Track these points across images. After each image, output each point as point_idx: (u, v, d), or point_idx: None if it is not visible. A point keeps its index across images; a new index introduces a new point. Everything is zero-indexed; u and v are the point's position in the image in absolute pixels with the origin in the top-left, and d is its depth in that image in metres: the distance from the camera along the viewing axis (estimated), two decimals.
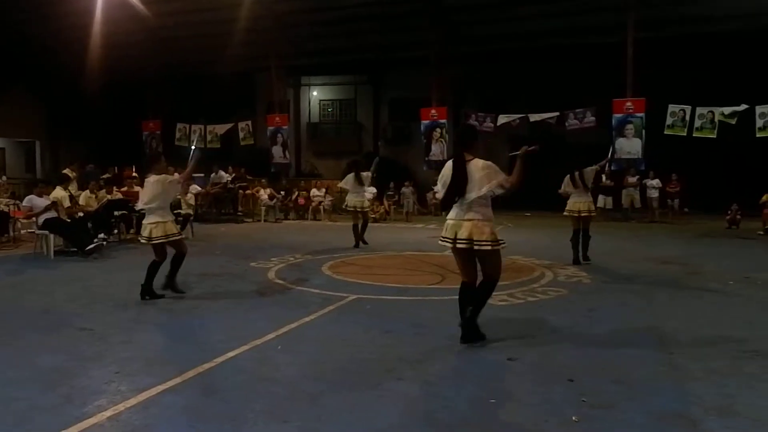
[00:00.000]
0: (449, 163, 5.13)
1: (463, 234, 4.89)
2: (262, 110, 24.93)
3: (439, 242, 5.18)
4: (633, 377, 4.30)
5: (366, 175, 11.60)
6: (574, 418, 3.59)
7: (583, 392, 3.98)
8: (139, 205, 7.06)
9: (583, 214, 9.39)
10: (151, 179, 6.78)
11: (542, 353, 4.88)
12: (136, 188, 12.13)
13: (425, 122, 20.03)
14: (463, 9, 19.42)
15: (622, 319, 6.06)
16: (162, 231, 6.67)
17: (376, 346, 5.07)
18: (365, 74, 25.95)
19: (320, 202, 18.86)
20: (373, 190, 18.61)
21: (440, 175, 5.24)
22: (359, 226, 11.60)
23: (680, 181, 17.69)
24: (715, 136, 16.58)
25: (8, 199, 13.87)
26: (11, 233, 12.01)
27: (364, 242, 11.64)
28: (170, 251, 6.89)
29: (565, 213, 9.63)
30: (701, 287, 7.74)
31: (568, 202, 9.54)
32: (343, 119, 27.74)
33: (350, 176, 11.64)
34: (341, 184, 12.24)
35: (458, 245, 4.94)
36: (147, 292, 6.74)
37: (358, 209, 11.56)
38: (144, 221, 6.86)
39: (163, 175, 6.88)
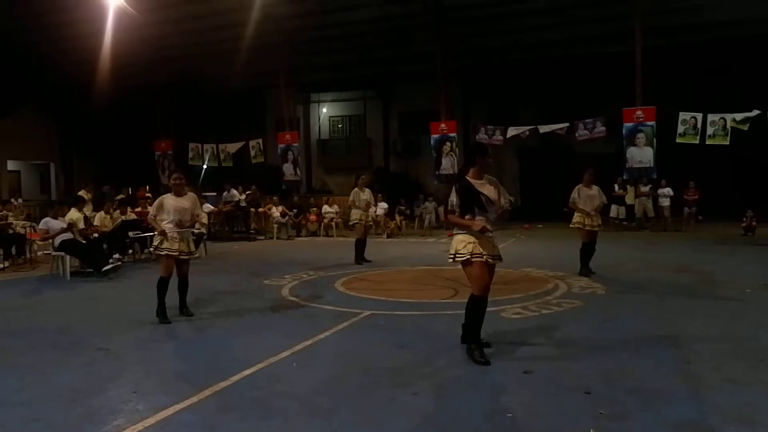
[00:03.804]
0: None
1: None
2: (271, 127, 25.15)
3: None
4: (650, 387, 4.27)
5: (357, 192, 11.64)
6: (591, 430, 3.57)
7: (600, 404, 3.96)
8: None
9: (586, 228, 9.42)
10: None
11: (558, 365, 4.86)
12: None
13: (435, 136, 20.07)
14: (469, 21, 19.50)
15: (637, 329, 6.02)
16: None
17: (390, 360, 5.07)
18: (374, 89, 26.12)
19: (332, 219, 18.92)
20: (385, 205, 18.71)
21: None
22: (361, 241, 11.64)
23: (698, 189, 17.51)
24: (728, 143, 16.47)
25: (24, 221, 14.04)
26: (28, 255, 12.15)
27: (363, 261, 11.54)
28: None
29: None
30: (717, 295, 7.67)
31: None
32: (353, 135, 27.92)
33: (352, 192, 11.76)
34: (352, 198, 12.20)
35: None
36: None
37: (355, 222, 11.69)
38: None
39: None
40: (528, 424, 3.74)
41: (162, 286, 6.76)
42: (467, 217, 4.99)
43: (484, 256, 4.95)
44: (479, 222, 4.94)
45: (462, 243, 5.02)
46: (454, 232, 5.16)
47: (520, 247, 13.63)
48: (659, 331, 5.94)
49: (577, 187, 9.46)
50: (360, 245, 11.60)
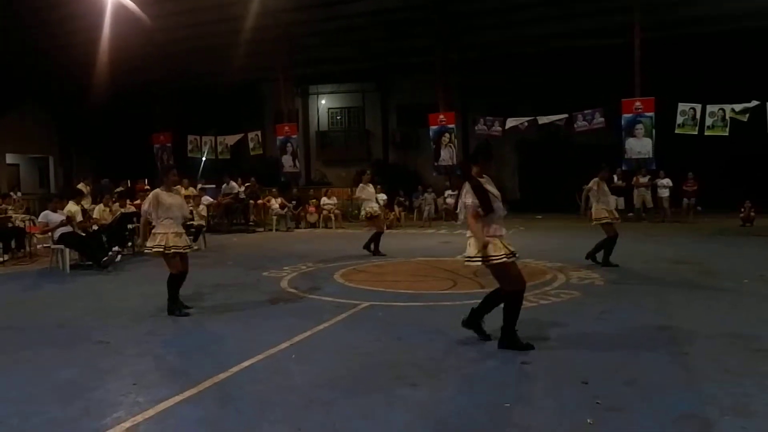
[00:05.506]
0: None
1: (467, 252, 5.05)
2: (270, 120, 25.11)
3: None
4: (647, 379, 4.29)
5: (362, 187, 11.63)
6: (588, 420, 3.59)
7: (597, 395, 3.98)
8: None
9: (612, 222, 9.48)
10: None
11: (555, 356, 4.88)
12: None
13: (434, 128, 20.05)
14: (468, 14, 19.45)
15: (635, 321, 6.03)
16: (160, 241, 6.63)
17: (388, 353, 5.09)
18: (373, 81, 26.06)
19: (330, 210, 18.92)
20: (384, 197, 18.70)
21: None
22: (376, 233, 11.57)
23: (697, 180, 17.54)
24: (727, 134, 16.45)
25: (24, 215, 14.03)
26: (27, 248, 12.15)
27: (379, 253, 11.36)
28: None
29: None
30: (715, 287, 7.69)
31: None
32: (352, 127, 27.86)
33: (358, 188, 11.74)
34: (358, 193, 12.11)
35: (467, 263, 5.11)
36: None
37: (373, 213, 11.61)
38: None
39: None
40: (525, 415, 3.76)
41: (174, 283, 6.64)
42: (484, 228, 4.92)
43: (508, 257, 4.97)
44: (488, 239, 4.88)
45: (493, 246, 4.90)
46: (468, 235, 5.05)
47: (519, 239, 13.60)
48: (657, 322, 5.96)
49: (596, 180, 9.45)
50: (378, 238, 11.48)
